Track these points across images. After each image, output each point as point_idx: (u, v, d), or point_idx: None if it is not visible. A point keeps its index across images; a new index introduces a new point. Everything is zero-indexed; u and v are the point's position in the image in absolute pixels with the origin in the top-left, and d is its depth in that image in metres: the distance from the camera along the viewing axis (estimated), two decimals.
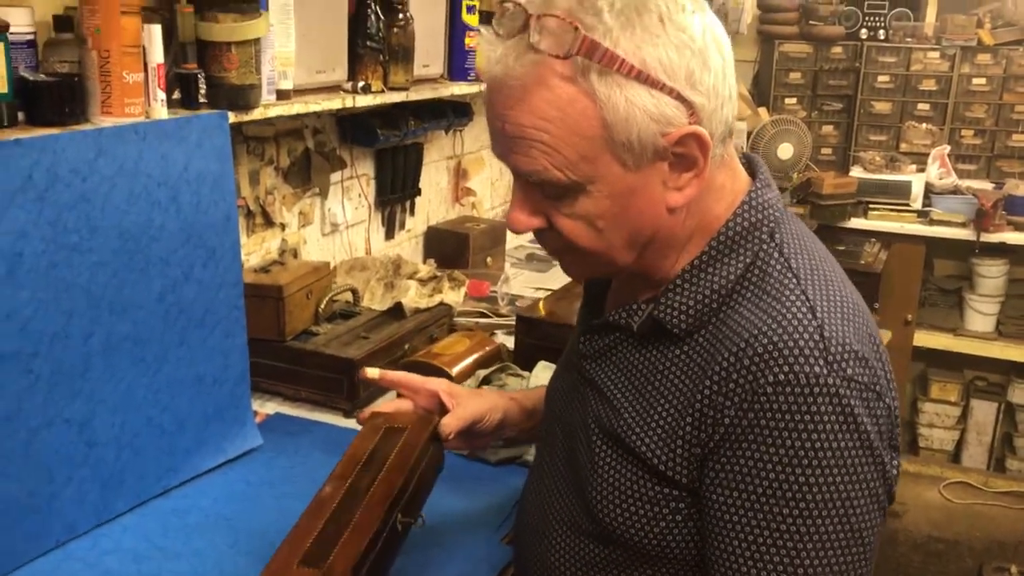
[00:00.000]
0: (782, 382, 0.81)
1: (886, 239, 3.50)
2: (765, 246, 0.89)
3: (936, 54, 3.69)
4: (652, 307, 0.91)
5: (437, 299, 1.84)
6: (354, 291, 1.81)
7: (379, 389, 1.57)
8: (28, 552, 1.13)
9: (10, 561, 1.11)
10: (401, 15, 1.94)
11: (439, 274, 2.00)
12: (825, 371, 0.81)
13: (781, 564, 0.82)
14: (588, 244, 0.89)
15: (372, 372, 1.16)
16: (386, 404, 1.18)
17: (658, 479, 0.89)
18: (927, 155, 3.62)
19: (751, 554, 0.83)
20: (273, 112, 1.60)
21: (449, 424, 1.10)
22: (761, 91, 3.98)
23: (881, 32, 3.75)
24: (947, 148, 3.63)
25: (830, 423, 0.80)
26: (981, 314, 3.58)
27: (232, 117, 1.46)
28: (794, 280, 0.87)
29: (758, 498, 0.82)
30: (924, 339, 3.59)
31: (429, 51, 2.13)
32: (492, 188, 2.83)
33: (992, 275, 3.53)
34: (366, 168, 2.17)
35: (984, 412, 3.70)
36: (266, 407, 1.58)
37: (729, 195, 0.91)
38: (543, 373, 1.54)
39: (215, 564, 1.15)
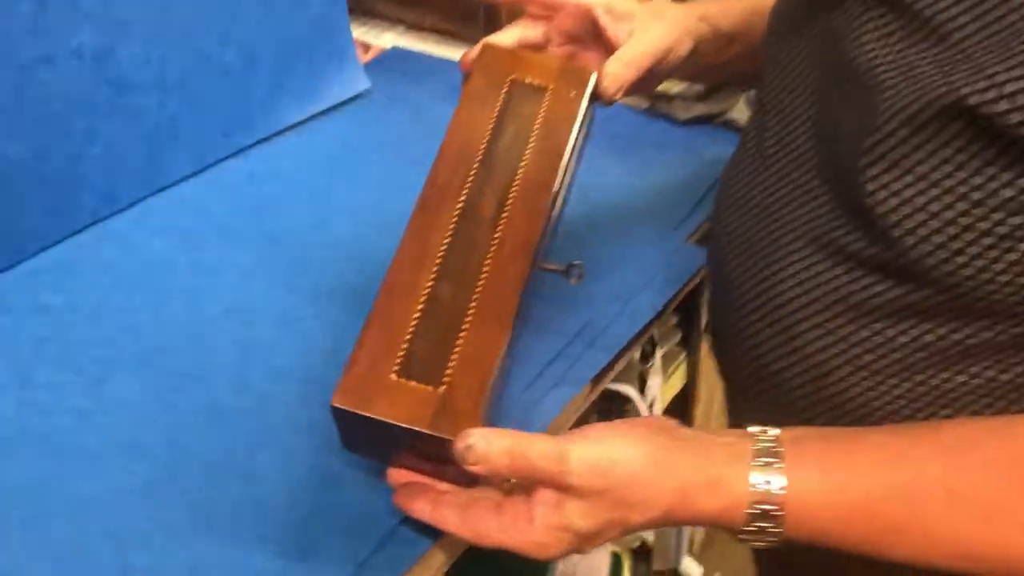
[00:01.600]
0: None
1: None
2: None
3: None
4: None
5: None
6: None
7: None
8: (53, 229, 0.85)
9: (30, 242, 0.84)
10: None
11: None
12: None
13: None
14: None
15: None
16: (505, 33, 0.74)
17: None
18: None
19: None
20: None
21: (616, 76, 0.68)
22: None
23: None
24: None
25: None
26: None
27: None
28: None
29: None
30: None
31: None
32: None
33: None
34: None
35: None
36: (381, 39, 1.20)
37: None
38: None
39: (286, 253, 0.84)
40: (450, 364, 0.56)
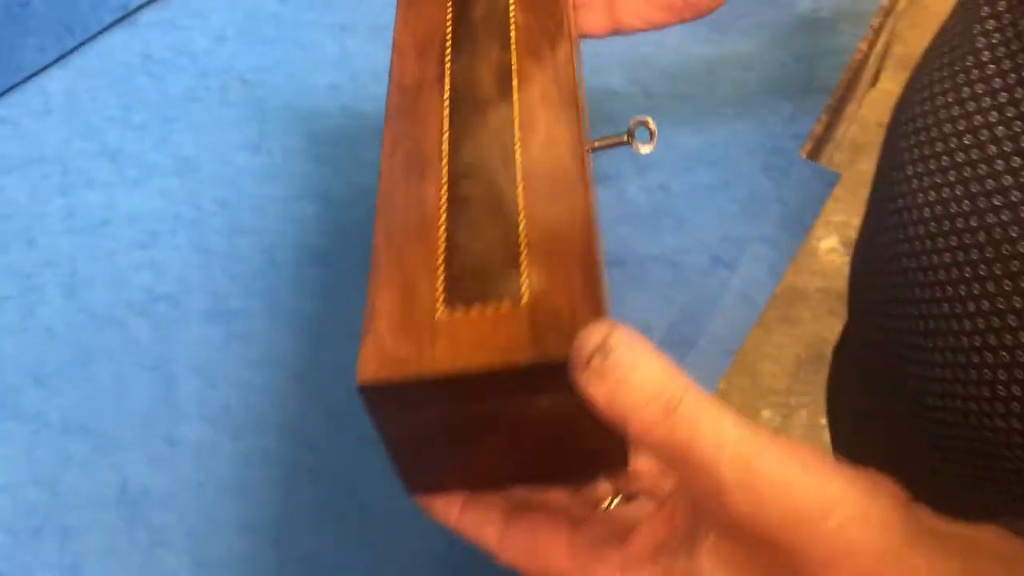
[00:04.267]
0: None
1: None
2: None
3: None
4: None
5: None
6: None
7: None
8: None
9: None
10: None
11: None
12: None
13: None
14: None
15: None
16: None
17: None
18: None
19: None
20: None
21: None
22: None
23: None
24: None
25: None
26: None
27: None
28: None
29: None
30: None
31: None
32: None
33: None
34: None
35: None
36: None
37: None
38: None
39: (212, 192, 0.56)
40: (521, 262, 0.32)
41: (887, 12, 0.67)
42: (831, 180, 0.57)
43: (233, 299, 0.52)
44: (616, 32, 0.51)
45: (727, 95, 0.61)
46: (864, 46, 0.64)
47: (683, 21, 0.51)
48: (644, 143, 0.41)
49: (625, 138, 0.41)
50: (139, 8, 0.66)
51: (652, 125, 0.40)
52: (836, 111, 0.62)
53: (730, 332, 0.50)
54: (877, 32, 0.66)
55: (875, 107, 1.96)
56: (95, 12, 0.64)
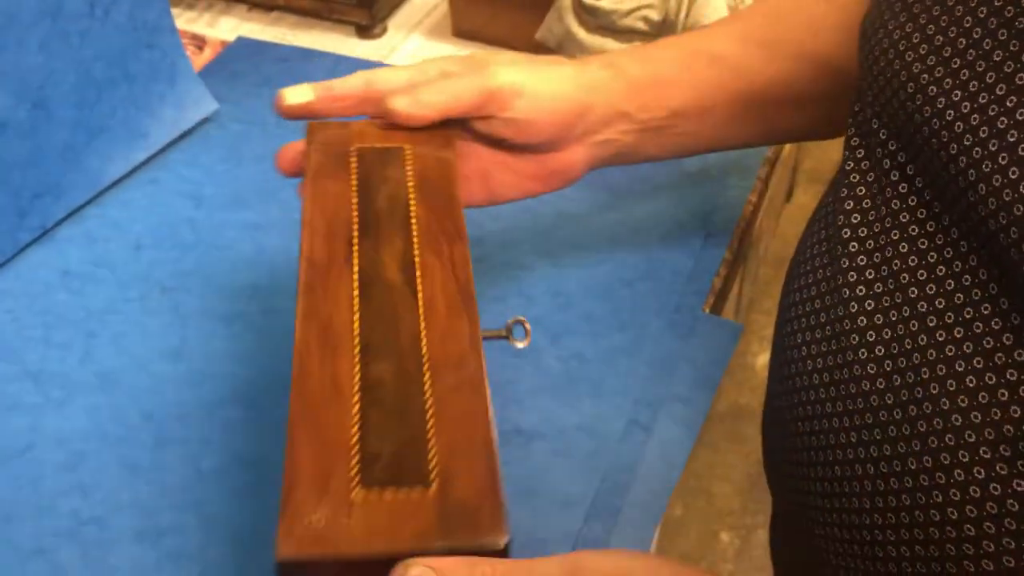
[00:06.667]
0: None
1: None
2: None
3: None
4: None
5: None
6: None
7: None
8: None
9: None
10: None
11: None
12: None
13: None
14: None
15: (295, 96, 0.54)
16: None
17: None
18: None
19: None
20: None
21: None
22: None
23: None
24: None
25: None
26: None
27: None
28: None
29: None
30: None
31: None
32: None
33: None
34: None
35: None
36: (218, 29, 0.90)
37: None
38: None
39: (126, 415, 0.57)
40: (431, 453, 0.36)
41: (772, 162, 0.71)
42: (735, 331, 0.60)
43: (163, 515, 0.52)
44: (493, 202, 0.55)
45: (631, 259, 0.65)
46: (753, 197, 0.68)
47: (552, 190, 0.55)
48: (520, 340, 0.47)
49: (505, 331, 0.47)
50: (56, 224, 0.68)
51: (527, 325, 0.48)
52: (733, 264, 0.65)
53: (652, 498, 0.51)
54: (765, 182, 0.70)
55: (792, 221, 2.03)
56: (12, 233, 0.65)
